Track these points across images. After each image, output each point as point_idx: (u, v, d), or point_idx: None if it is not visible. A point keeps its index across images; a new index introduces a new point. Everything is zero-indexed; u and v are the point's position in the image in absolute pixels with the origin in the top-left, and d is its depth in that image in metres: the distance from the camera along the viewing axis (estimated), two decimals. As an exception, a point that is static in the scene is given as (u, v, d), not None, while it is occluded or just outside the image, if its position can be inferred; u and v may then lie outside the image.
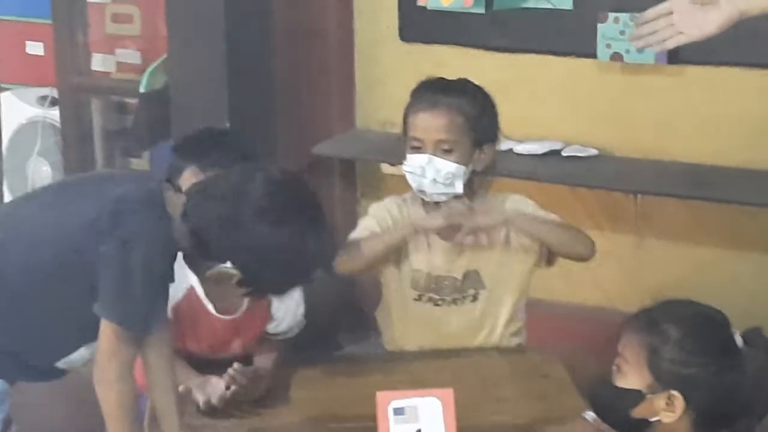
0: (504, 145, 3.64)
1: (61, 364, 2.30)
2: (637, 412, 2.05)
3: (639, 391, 2.03)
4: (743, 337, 2.05)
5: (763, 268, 3.62)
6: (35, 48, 5.07)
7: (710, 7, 2.30)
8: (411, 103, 2.75)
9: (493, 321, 2.79)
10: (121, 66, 4.81)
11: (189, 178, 2.45)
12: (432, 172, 2.66)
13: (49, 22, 4.70)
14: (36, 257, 2.18)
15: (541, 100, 3.90)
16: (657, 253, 3.80)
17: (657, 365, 2.02)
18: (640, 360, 2.05)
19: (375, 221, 2.78)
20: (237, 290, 2.28)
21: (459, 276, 2.75)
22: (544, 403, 2.49)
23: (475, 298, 2.77)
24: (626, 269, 3.82)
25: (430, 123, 2.68)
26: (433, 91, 2.74)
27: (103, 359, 2.14)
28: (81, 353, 2.29)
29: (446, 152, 2.66)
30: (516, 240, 2.73)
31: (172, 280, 2.26)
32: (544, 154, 3.79)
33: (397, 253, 2.75)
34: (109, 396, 2.15)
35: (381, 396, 2.13)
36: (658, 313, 2.10)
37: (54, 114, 4.74)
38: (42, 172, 4.82)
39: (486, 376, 2.65)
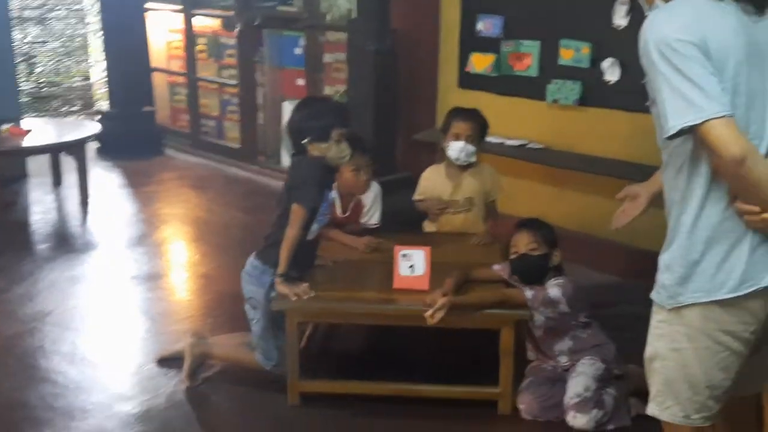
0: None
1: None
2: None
3: (546, 254, 4.13)
4: None
5: None
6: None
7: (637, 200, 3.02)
8: (451, 116, 4.95)
9: (476, 222, 5.04)
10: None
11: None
12: (465, 150, 4.89)
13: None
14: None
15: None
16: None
17: (546, 239, 4.14)
18: (542, 241, 4.13)
19: (422, 187, 5.07)
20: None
21: (461, 199, 4.98)
22: (481, 259, 4.42)
23: (468, 210, 5.01)
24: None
25: (464, 126, 4.89)
26: (464, 111, 4.97)
27: (292, 222, 3.93)
28: (313, 229, 4.05)
29: (469, 140, 4.87)
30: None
31: (323, 198, 4.00)
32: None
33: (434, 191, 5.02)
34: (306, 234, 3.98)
35: (396, 248, 4.02)
36: (535, 221, 4.27)
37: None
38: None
39: (463, 244, 4.78)
